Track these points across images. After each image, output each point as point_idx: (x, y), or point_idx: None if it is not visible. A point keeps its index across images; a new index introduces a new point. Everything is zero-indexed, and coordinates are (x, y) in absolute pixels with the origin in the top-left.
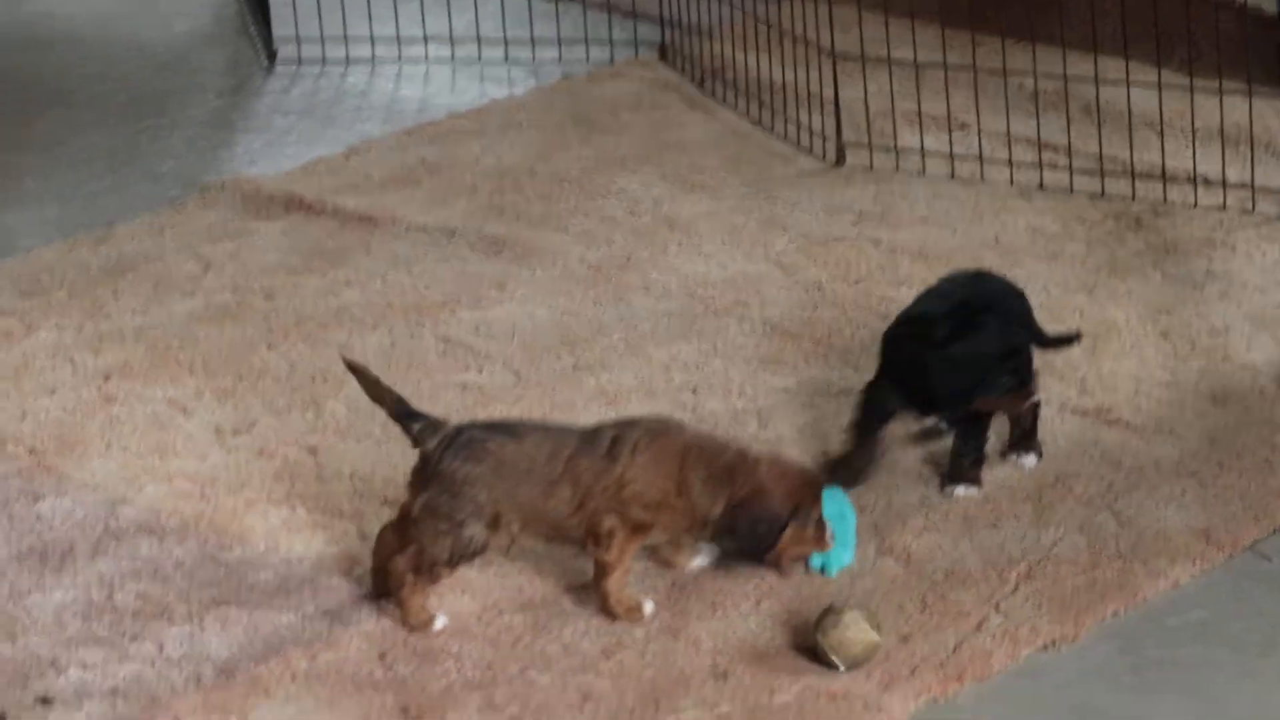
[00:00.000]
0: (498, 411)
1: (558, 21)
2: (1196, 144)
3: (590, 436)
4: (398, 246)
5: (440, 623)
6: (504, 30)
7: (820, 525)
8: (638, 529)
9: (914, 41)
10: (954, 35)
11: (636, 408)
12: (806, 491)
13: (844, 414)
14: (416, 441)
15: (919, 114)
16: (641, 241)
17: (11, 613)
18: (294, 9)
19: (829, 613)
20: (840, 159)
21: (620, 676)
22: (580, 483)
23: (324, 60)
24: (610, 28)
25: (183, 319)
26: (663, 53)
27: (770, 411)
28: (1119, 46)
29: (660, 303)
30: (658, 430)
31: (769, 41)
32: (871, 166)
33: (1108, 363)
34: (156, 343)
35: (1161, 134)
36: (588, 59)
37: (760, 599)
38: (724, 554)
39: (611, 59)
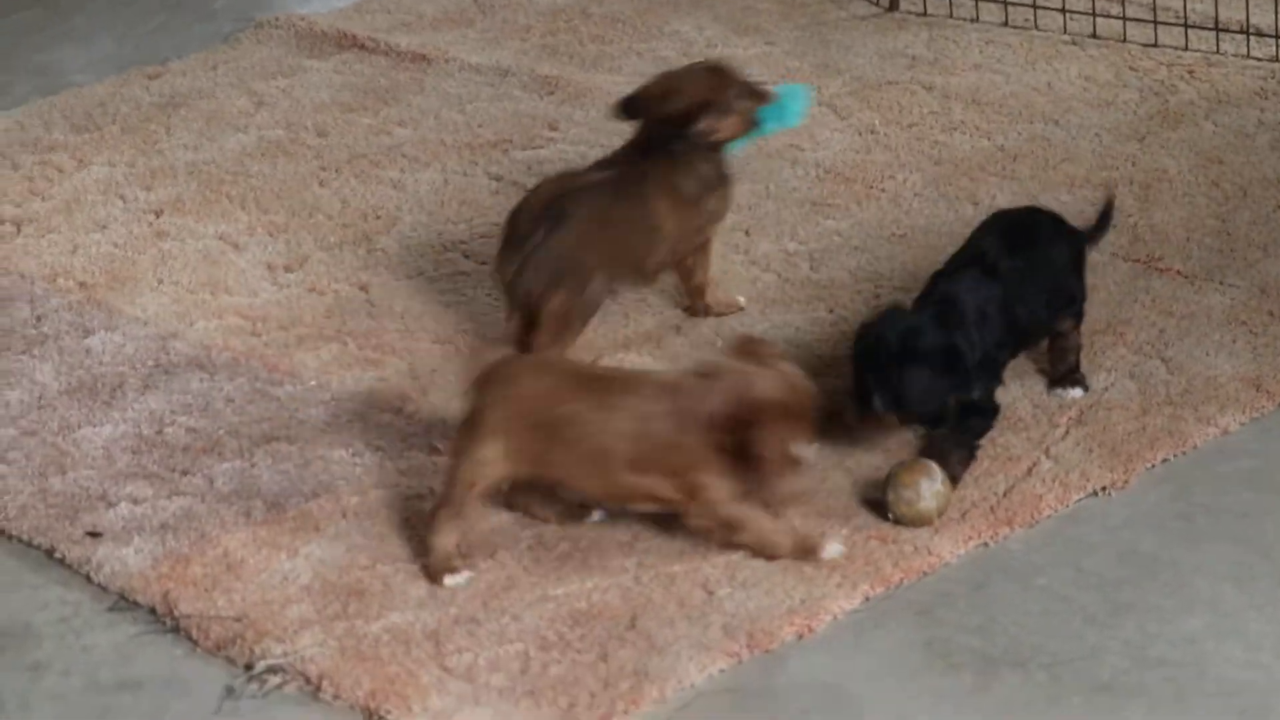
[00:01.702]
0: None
1: None
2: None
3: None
4: (450, 85)
5: None
6: None
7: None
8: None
9: None
10: None
11: None
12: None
13: (896, 258)
14: None
15: None
16: None
17: (61, 446)
18: None
19: (899, 472)
20: (895, 4)
21: (660, 519)
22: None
23: None
24: None
25: (235, 155)
26: None
27: (822, 254)
28: None
29: None
30: None
31: None
32: (925, 11)
33: (1159, 212)
34: (209, 179)
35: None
36: None
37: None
38: None
39: None
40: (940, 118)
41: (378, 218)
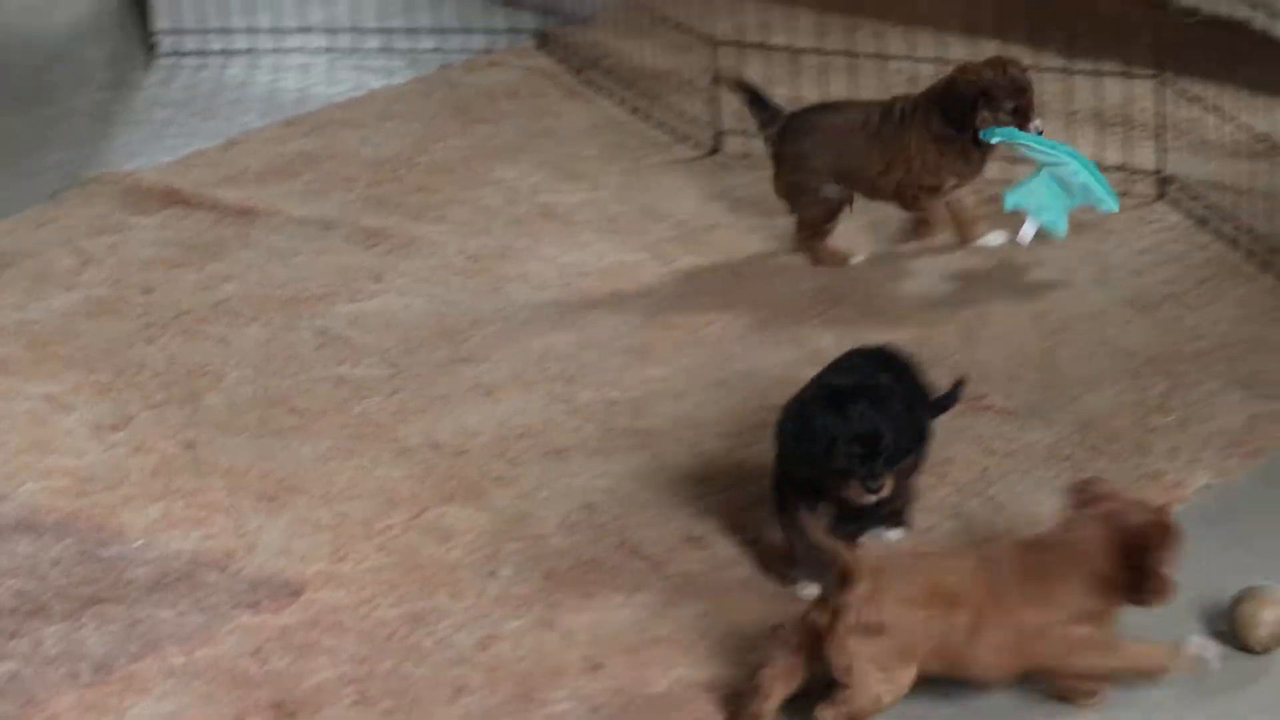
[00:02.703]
0: (373, 405)
1: (436, 10)
2: (1075, 127)
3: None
4: (275, 239)
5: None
6: (382, 20)
7: None
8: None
9: (795, 27)
10: (832, 20)
11: (512, 398)
12: None
13: (718, 403)
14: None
15: (793, 101)
16: (519, 231)
17: None
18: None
19: (1251, 593)
20: (717, 147)
21: (494, 669)
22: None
23: (204, 52)
24: (488, 16)
25: (61, 314)
26: (541, 41)
27: (643, 402)
28: (997, 30)
29: (537, 293)
30: None
31: (647, 29)
32: (748, 154)
33: (982, 349)
34: (35, 338)
35: (1040, 117)
36: (466, 48)
37: (634, 590)
38: None
39: (490, 48)
40: (763, 260)
41: (204, 374)
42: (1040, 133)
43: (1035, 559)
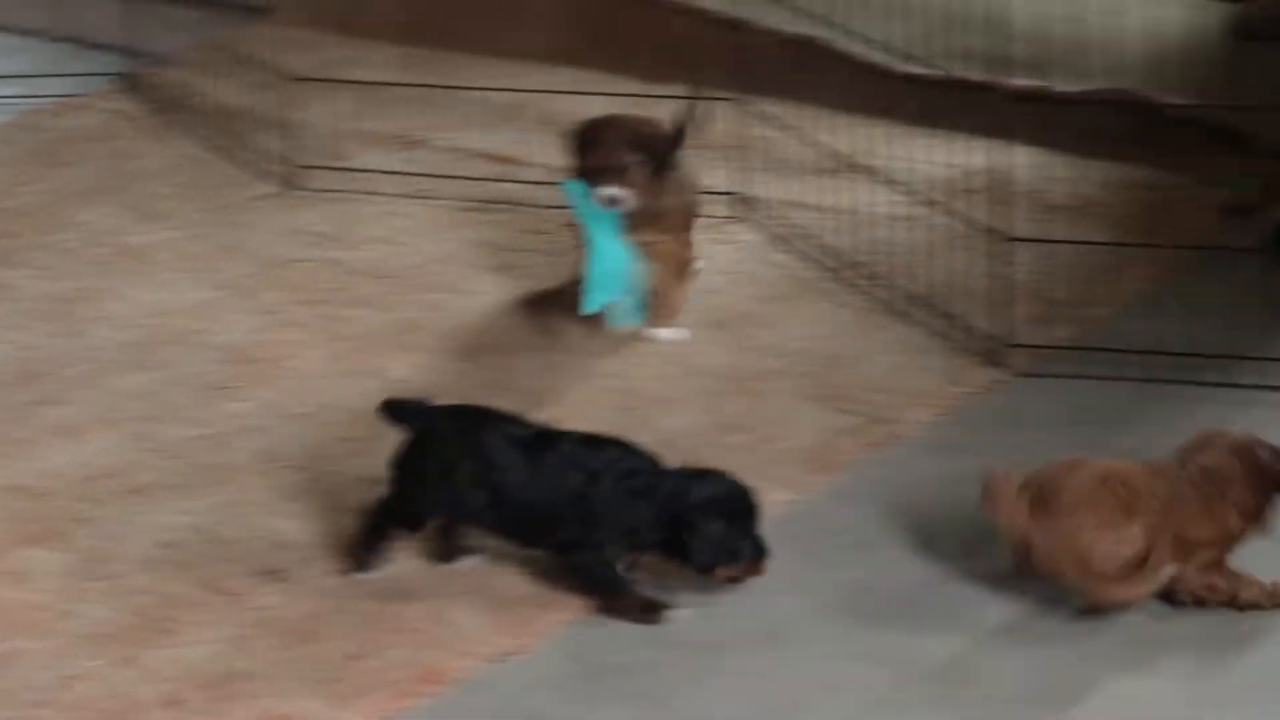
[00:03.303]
0: None
1: (17, 56)
2: None
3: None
4: None
5: None
6: None
7: None
8: None
9: (371, 61)
10: (412, 54)
11: (96, 439)
12: None
13: (299, 437)
14: None
15: (374, 134)
16: (100, 273)
17: None
18: None
19: None
20: (297, 182)
21: (76, 708)
22: None
23: None
24: (72, 61)
25: None
26: (124, 84)
27: (225, 437)
28: (578, 59)
29: (119, 333)
30: None
31: (227, 68)
32: (329, 189)
33: (559, 375)
34: None
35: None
36: (49, 93)
37: (215, 625)
38: None
39: (74, 92)
40: (342, 293)
41: None
42: (614, 203)
43: (1196, 478)
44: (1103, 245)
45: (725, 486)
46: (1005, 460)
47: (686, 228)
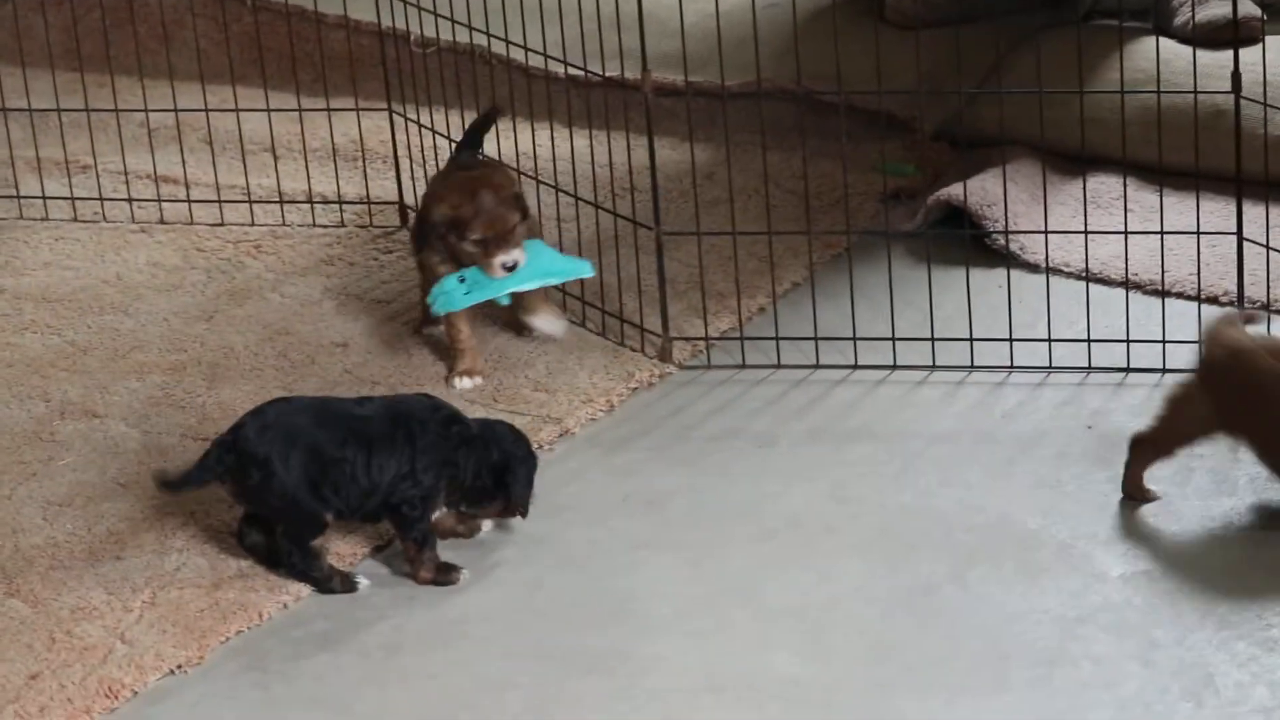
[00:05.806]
0: None
1: None
2: (315, 164)
3: None
4: None
5: None
6: None
7: None
8: None
9: (27, 89)
10: (67, 79)
11: None
12: None
13: None
14: None
15: (38, 160)
16: None
17: None
18: None
19: None
20: None
21: None
22: None
23: None
24: None
25: None
26: None
27: None
28: (238, 75)
29: None
30: None
31: None
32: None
33: (226, 389)
34: None
35: (275, 157)
36: None
37: None
38: None
39: None
40: (10, 319)
41: None
42: (512, 269)
43: None
44: (759, 235)
45: (516, 431)
46: (669, 456)
47: None
